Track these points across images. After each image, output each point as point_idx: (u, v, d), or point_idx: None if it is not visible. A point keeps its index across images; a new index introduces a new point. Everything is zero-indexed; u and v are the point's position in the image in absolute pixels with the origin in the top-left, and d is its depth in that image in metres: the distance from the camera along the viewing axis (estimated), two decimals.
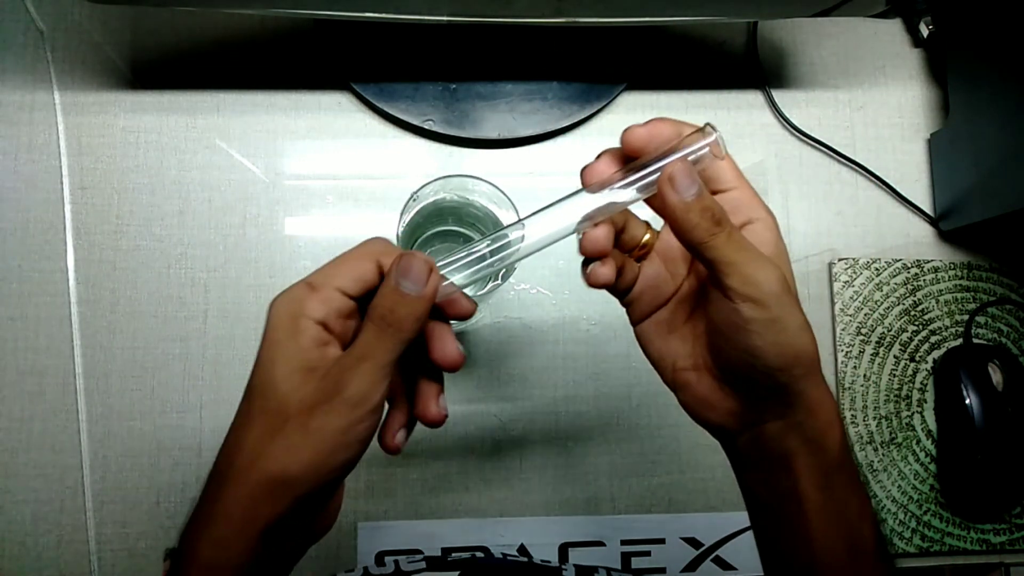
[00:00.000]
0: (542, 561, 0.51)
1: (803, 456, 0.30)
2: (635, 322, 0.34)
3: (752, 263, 0.28)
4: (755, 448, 0.31)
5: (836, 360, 0.55)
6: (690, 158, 0.30)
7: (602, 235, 0.30)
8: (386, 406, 0.29)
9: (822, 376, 0.30)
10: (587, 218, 0.30)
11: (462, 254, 0.29)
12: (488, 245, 0.30)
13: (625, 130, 0.30)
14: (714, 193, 0.30)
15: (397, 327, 0.27)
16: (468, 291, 0.46)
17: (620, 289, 0.33)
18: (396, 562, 0.47)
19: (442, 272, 0.29)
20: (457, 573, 0.40)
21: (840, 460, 0.30)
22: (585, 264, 0.31)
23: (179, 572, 0.27)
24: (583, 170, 0.30)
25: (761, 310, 0.28)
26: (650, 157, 0.30)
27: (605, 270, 0.31)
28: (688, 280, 0.33)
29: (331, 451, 0.28)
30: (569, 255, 0.54)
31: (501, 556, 0.50)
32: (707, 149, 0.30)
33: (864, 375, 0.55)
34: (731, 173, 0.31)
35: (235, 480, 0.27)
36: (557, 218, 0.30)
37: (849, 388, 0.55)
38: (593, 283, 0.31)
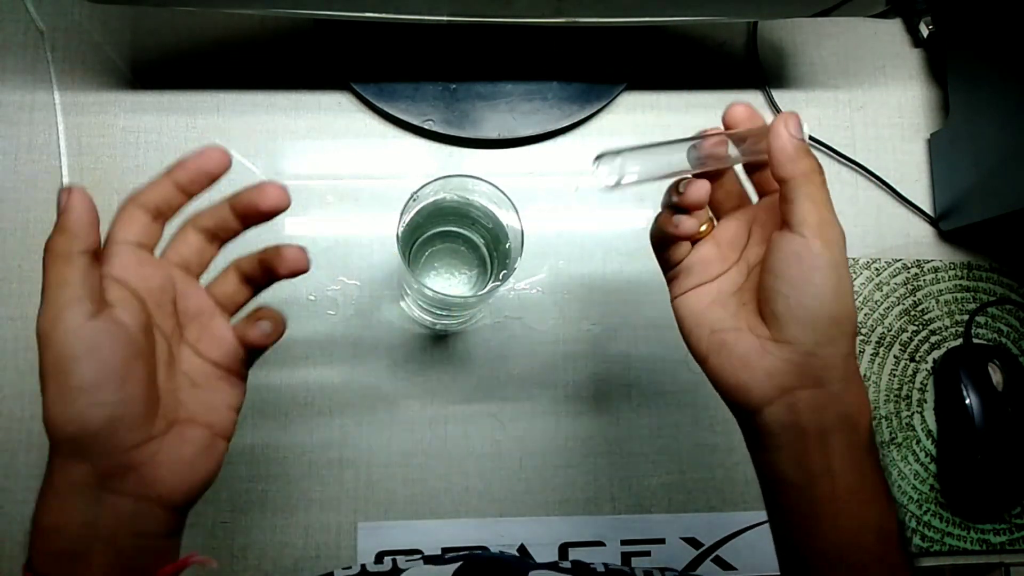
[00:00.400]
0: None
1: (839, 433, 0.30)
2: (676, 295, 0.35)
3: (830, 211, 0.31)
4: (787, 421, 0.31)
5: None
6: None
7: (704, 189, 0.32)
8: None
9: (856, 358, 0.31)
10: (699, 161, 0.33)
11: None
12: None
13: (729, 105, 0.34)
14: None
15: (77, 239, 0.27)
16: (467, 291, 0.46)
17: (672, 262, 0.35)
18: (394, 560, 0.47)
19: None
20: (458, 565, 0.40)
21: (870, 442, 0.31)
22: (671, 213, 0.34)
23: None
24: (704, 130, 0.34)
25: (830, 251, 0.30)
26: (754, 130, 0.34)
27: (692, 222, 0.33)
28: (737, 265, 0.34)
29: (62, 388, 0.27)
30: (569, 255, 0.54)
31: (499, 552, 0.50)
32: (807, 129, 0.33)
33: (864, 375, 0.55)
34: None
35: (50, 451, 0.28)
36: (675, 152, 0.33)
37: None
38: (681, 233, 0.33)
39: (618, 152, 0.32)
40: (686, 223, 0.33)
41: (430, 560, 0.46)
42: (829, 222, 0.30)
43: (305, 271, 0.31)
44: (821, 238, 0.30)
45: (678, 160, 0.33)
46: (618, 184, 0.32)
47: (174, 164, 0.29)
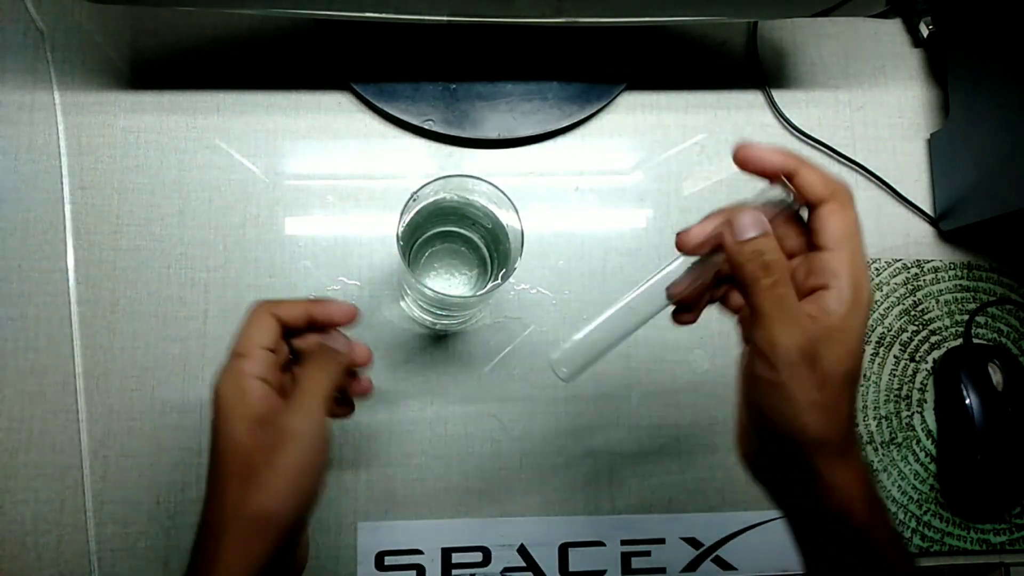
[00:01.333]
0: None
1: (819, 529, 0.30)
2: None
3: (779, 322, 0.28)
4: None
5: None
6: (770, 203, 0.32)
7: (686, 287, 0.34)
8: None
9: (849, 458, 0.29)
10: (675, 285, 0.34)
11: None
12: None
13: (739, 147, 0.32)
14: (813, 248, 0.31)
15: (330, 368, 0.36)
16: (467, 291, 0.46)
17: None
18: None
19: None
20: None
21: (864, 539, 0.29)
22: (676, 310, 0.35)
23: None
24: (679, 235, 0.33)
25: (770, 371, 0.28)
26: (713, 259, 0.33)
27: (689, 317, 0.36)
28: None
29: (298, 480, 0.32)
30: (569, 255, 0.54)
31: (501, 574, 0.50)
32: (785, 197, 0.32)
33: (864, 375, 0.55)
34: (837, 234, 0.30)
35: (224, 530, 0.31)
36: (629, 317, 0.35)
37: None
38: (679, 322, 0.36)
39: (570, 347, 0.35)
40: (684, 318, 0.36)
41: None
42: (773, 334, 0.28)
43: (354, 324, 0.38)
44: (763, 356, 0.28)
45: (633, 321, 0.35)
46: (581, 372, 0.35)
47: (316, 300, 0.37)
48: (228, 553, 0.31)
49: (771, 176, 0.32)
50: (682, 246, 0.32)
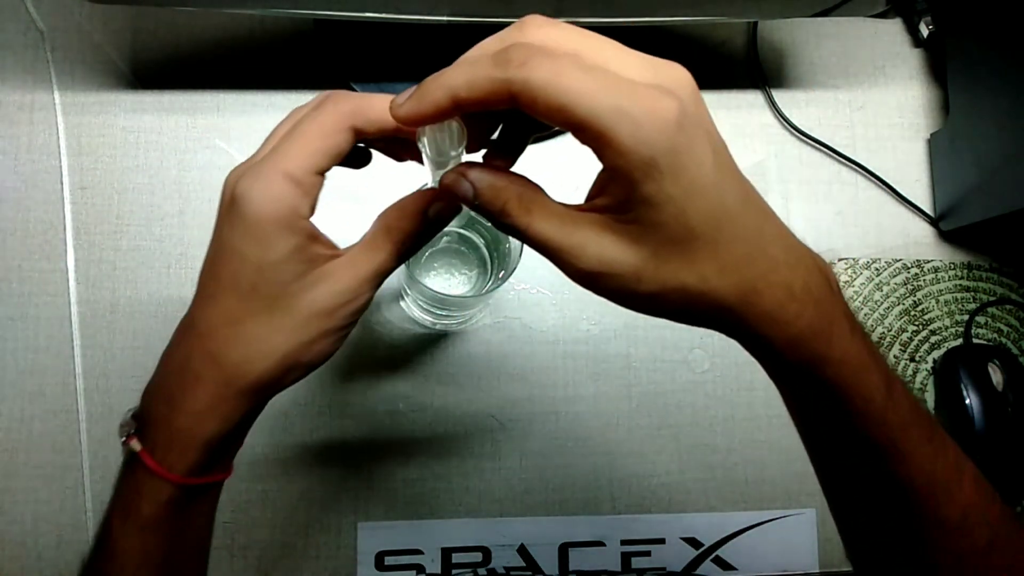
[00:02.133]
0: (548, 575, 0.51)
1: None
2: None
3: (563, 252, 0.24)
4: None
5: None
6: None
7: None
8: None
9: (795, 307, 0.24)
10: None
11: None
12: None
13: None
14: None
15: (403, 239, 0.28)
16: (467, 291, 0.46)
17: None
18: None
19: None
20: None
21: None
22: None
23: (149, 439, 0.27)
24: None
25: (596, 289, 0.25)
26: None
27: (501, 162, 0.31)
28: None
29: (332, 344, 0.28)
30: None
31: (503, 571, 0.50)
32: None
33: None
34: (562, 122, 0.22)
35: (206, 372, 0.26)
36: None
37: None
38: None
39: None
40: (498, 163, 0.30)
41: None
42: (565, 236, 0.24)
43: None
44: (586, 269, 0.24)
45: None
46: None
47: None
48: (207, 395, 0.26)
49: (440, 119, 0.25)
50: (399, 118, 0.24)
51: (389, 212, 0.29)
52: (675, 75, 0.23)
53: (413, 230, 0.28)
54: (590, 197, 0.26)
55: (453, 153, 0.26)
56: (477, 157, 0.29)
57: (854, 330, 0.26)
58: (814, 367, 0.25)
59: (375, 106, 0.26)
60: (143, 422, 0.27)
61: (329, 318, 0.27)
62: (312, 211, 0.27)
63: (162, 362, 0.28)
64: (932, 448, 0.27)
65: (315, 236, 0.27)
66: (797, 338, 0.24)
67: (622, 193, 0.22)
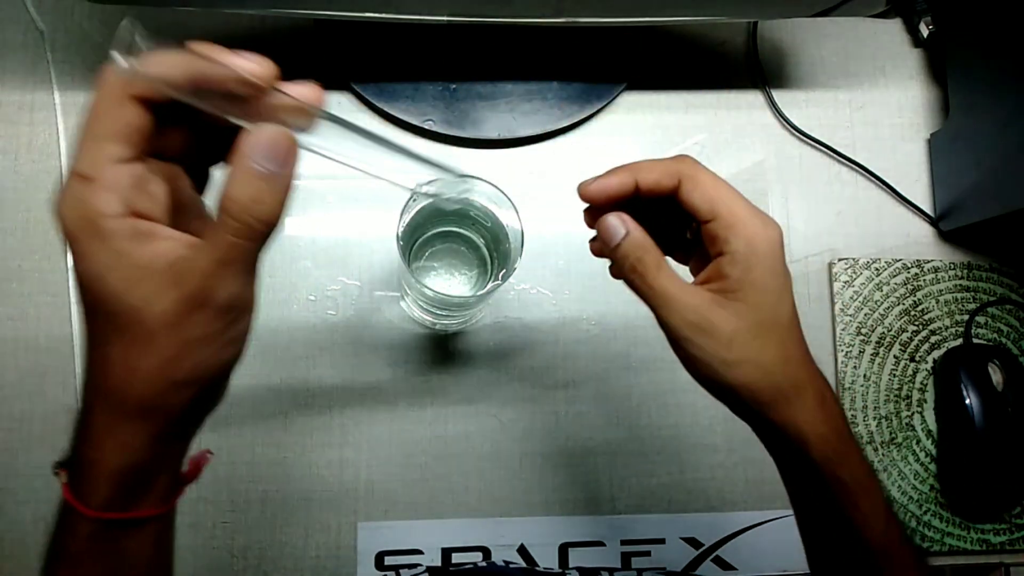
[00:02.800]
0: (545, 568, 0.51)
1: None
2: None
3: (661, 307, 0.31)
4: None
5: (836, 360, 0.55)
6: None
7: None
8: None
9: (798, 400, 0.30)
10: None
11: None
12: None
13: (579, 189, 0.32)
14: (704, 223, 0.31)
15: (263, 221, 0.24)
16: (467, 291, 0.46)
17: None
18: (397, 572, 0.47)
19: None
20: None
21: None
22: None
23: (73, 472, 0.25)
24: (581, 185, 0.32)
25: (676, 348, 0.31)
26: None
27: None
28: None
29: (214, 354, 0.25)
30: (569, 255, 0.54)
31: (503, 563, 0.50)
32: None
33: (864, 375, 0.55)
34: (705, 207, 0.31)
35: (94, 401, 0.25)
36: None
37: (849, 388, 0.55)
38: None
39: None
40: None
41: (434, 573, 0.46)
42: (664, 316, 0.31)
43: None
44: (670, 326, 0.31)
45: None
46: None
47: (207, 52, 0.23)
48: (124, 432, 0.24)
49: (622, 198, 0.32)
50: (586, 196, 0.32)
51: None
52: (774, 222, 0.31)
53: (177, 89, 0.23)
54: (699, 281, 0.32)
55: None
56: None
57: (859, 448, 0.32)
58: (837, 466, 0.31)
59: (155, 61, 0.22)
60: (74, 469, 0.26)
61: (180, 328, 0.23)
62: (128, 206, 0.23)
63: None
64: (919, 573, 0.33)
65: (140, 233, 0.23)
66: (824, 437, 0.30)
67: (736, 274, 0.30)
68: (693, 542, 0.52)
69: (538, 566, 0.51)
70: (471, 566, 0.49)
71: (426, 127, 0.53)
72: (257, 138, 0.23)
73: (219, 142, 0.25)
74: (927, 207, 0.58)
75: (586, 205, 0.33)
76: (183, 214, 0.26)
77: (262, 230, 0.24)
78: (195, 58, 0.22)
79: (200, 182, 0.28)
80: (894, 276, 0.56)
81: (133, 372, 0.24)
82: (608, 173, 0.32)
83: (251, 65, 0.24)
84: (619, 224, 0.31)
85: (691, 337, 0.30)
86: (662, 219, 0.33)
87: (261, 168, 0.23)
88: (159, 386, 0.24)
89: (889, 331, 0.56)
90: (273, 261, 0.52)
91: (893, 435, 0.55)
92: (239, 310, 0.25)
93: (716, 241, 0.31)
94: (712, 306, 0.30)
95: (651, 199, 0.32)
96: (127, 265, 0.23)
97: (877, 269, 0.56)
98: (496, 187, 0.41)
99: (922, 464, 0.55)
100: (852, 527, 0.31)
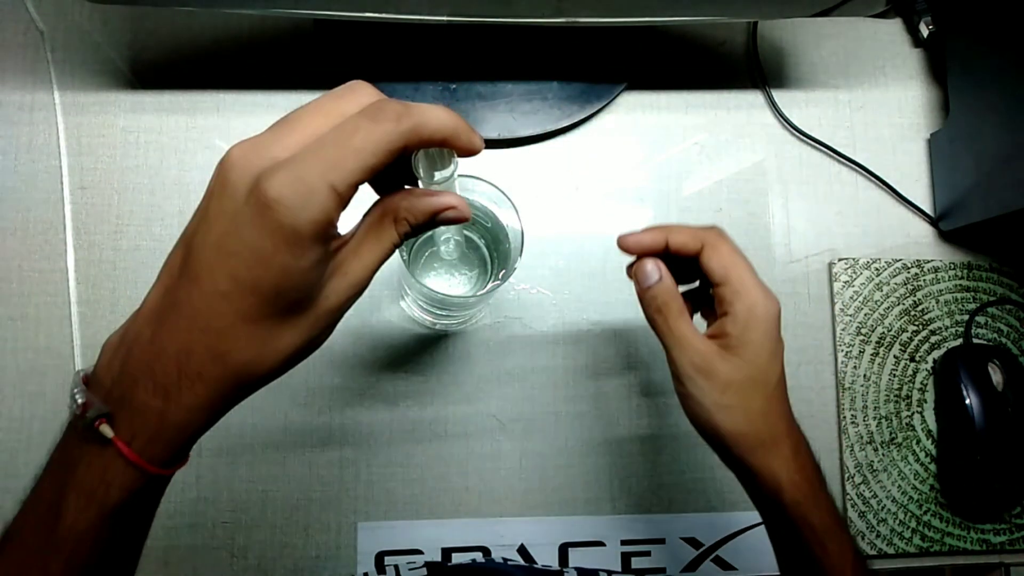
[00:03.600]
0: (543, 566, 0.51)
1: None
2: None
3: (674, 348, 0.36)
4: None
5: (836, 360, 0.55)
6: None
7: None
8: None
9: (775, 449, 0.35)
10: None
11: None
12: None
13: (619, 241, 0.38)
14: (717, 286, 0.37)
15: (406, 230, 0.28)
16: (467, 291, 0.46)
17: None
18: (396, 567, 0.47)
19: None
20: None
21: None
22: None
23: (126, 426, 0.25)
24: (621, 237, 0.38)
25: (679, 385, 0.37)
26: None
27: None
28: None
29: (319, 330, 0.27)
30: (569, 255, 0.54)
31: (501, 560, 0.50)
32: None
33: (864, 375, 0.55)
34: (719, 273, 0.36)
35: (209, 370, 0.25)
36: None
37: (849, 388, 0.55)
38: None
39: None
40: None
41: (433, 568, 0.46)
42: (675, 358, 0.37)
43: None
44: (675, 376, 0.37)
45: None
46: None
47: (456, 124, 0.27)
48: (195, 399, 0.25)
49: (654, 253, 0.37)
50: (623, 247, 0.38)
51: (397, 201, 0.27)
52: (776, 297, 0.37)
53: (420, 224, 0.28)
54: (707, 335, 0.37)
55: (447, 173, 0.29)
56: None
57: (830, 497, 0.37)
58: (807, 511, 0.35)
59: (437, 126, 0.26)
60: (117, 405, 0.25)
61: (337, 312, 0.27)
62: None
63: (145, 346, 0.26)
64: None
65: (335, 236, 0.26)
66: (796, 484, 0.35)
67: (736, 332, 0.35)
68: (693, 542, 0.52)
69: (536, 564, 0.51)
70: (470, 562, 0.49)
71: None
72: (443, 199, 0.29)
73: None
74: (927, 207, 0.58)
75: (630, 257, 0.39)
76: None
77: (403, 229, 0.28)
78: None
79: None
80: (894, 276, 0.56)
81: (279, 349, 0.26)
82: (645, 230, 0.37)
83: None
84: (655, 270, 0.37)
85: (694, 377, 0.35)
86: (694, 277, 0.39)
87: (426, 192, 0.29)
88: (291, 361, 0.27)
89: (889, 331, 0.56)
90: None
91: (893, 435, 0.55)
92: (358, 291, 0.28)
93: (723, 303, 0.36)
94: (716, 355, 0.35)
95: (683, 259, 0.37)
96: (325, 263, 0.26)
97: (877, 269, 0.56)
98: (496, 187, 0.41)
99: (922, 464, 0.55)
100: (820, 567, 0.35)
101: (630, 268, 0.39)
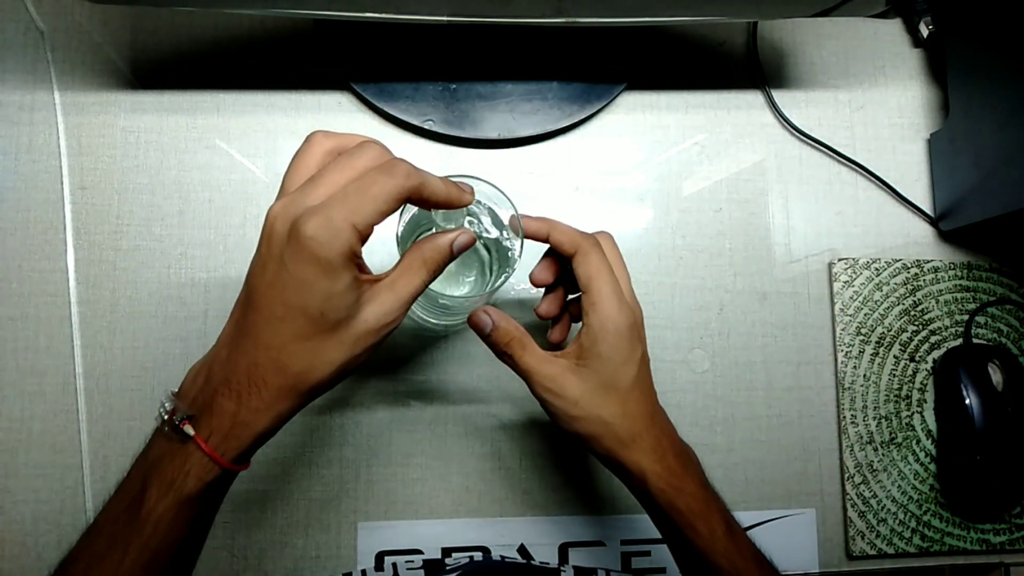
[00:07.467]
0: (541, 563, 0.51)
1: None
2: None
3: (525, 373, 0.39)
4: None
5: (836, 360, 0.55)
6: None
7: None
8: None
9: (635, 445, 0.38)
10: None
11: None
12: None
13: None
14: (581, 293, 0.39)
15: (435, 267, 0.34)
16: (467, 291, 0.46)
17: None
18: (395, 565, 0.47)
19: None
20: (458, 575, 0.42)
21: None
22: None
23: (205, 426, 0.31)
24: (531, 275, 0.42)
25: (538, 398, 0.40)
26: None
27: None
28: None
29: (361, 349, 0.33)
30: None
31: (499, 558, 0.50)
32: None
33: (864, 375, 0.55)
34: (583, 280, 0.39)
35: (273, 379, 0.31)
36: None
37: (849, 388, 0.55)
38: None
39: None
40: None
41: (429, 566, 0.47)
42: (530, 368, 0.40)
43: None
44: (531, 384, 0.40)
45: None
46: None
47: (452, 183, 0.34)
48: (261, 402, 0.31)
49: (539, 239, 0.40)
50: (535, 282, 0.42)
51: (423, 245, 0.34)
52: (638, 308, 0.40)
53: (444, 260, 0.35)
54: (569, 347, 0.39)
55: (455, 216, 0.37)
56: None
57: (704, 484, 0.39)
58: (672, 497, 0.38)
59: (434, 190, 0.33)
60: (200, 410, 0.32)
61: (375, 334, 0.32)
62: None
63: (223, 363, 0.32)
64: None
65: (362, 267, 0.34)
66: (658, 474, 0.38)
67: (587, 345, 0.38)
68: None
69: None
70: (467, 559, 0.49)
71: (426, 127, 0.53)
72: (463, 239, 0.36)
73: None
74: (927, 207, 0.58)
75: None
76: None
77: (431, 273, 0.35)
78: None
79: None
80: (894, 276, 0.56)
81: (328, 361, 0.32)
82: (536, 217, 0.40)
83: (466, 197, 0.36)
84: (487, 320, 0.39)
85: (548, 399, 0.38)
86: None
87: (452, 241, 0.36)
88: (339, 373, 0.32)
89: (889, 331, 0.56)
90: None
91: (893, 435, 0.55)
92: (390, 327, 0.34)
93: (583, 312, 0.38)
94: (565, 374, 0.38)
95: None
96: (356, 288, 0.31)
97: (877, 269, 0.56)
98: (496, 187, 0.41)
99: (922, 464, 0.55)
100: (693, 547, 0.37)
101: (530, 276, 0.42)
